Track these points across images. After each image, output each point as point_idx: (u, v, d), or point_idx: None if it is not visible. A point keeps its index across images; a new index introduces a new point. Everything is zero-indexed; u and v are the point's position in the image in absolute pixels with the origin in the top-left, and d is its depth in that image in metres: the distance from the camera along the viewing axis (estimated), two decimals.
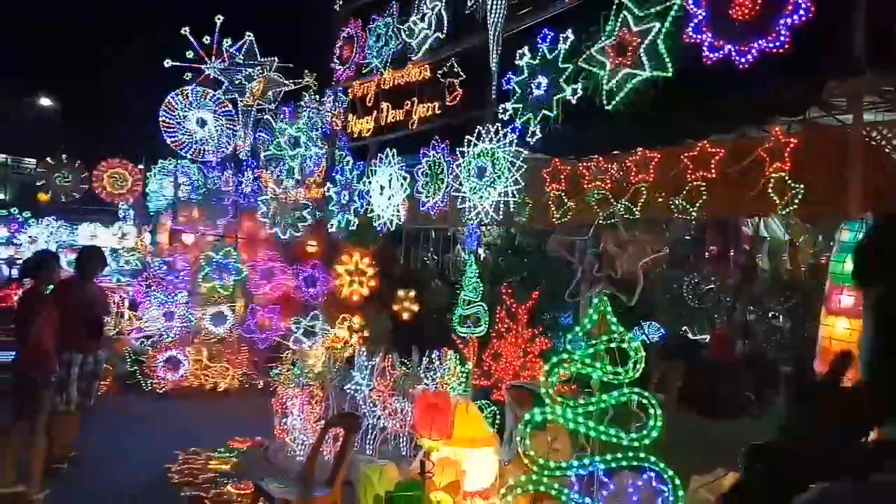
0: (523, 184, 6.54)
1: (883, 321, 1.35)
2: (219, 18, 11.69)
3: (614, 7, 5.67)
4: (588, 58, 5.97)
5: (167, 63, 11.25)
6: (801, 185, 4.62)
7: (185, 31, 11.37)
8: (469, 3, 7.58)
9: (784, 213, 4.77)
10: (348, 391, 6.65)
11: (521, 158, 6.54)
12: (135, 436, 7.33)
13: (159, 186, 13.34)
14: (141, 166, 15.42)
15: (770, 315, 7.94)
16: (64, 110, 31.58)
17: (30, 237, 17.95)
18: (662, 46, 5.32)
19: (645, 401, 3.25)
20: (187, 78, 11.44)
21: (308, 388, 6.92)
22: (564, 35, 6.34)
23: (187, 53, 11.46)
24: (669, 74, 5.26)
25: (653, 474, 3.23)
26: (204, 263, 10.25)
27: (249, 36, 11.94)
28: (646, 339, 8.51)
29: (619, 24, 5.60)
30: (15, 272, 15.85)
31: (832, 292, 3.74)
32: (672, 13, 5.25)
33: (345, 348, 7.96)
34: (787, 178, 4.67)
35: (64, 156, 15.63)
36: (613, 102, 5.58)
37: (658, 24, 5.33)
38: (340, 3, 10.39)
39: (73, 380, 6.23)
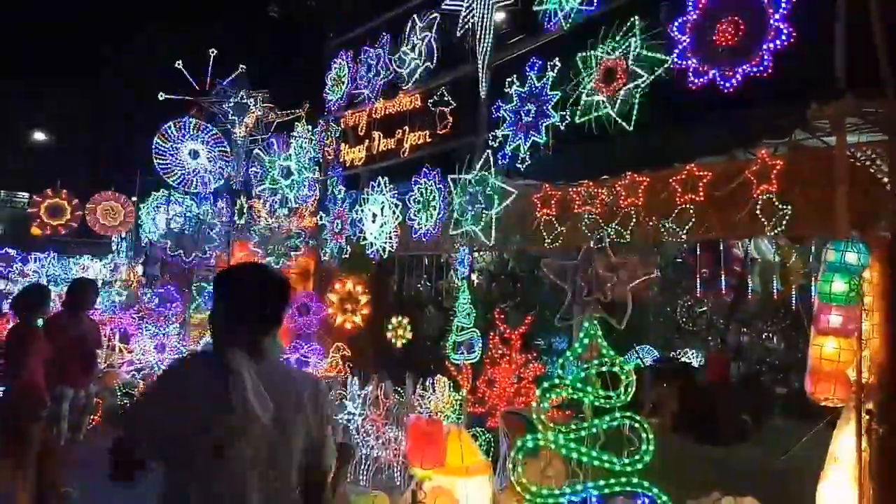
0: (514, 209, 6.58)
1: None
2: (212, 52, 11.84)
3: (593, 44, 5.77)
4: (576, 85, 6.06)
5: (161, 96, 11.36)
6: (788, 206, 4.66)
7: (179, 64, 11.51)
8: (458, 34, 7.69)
9: (772, 234, 4.80)
10: (341, 421, 6.57)
11: (512, 185, 6.58)
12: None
13: (151, 219, 13.35)
14: (134, 199, 15.46)
15: (763, 336, 7.94)
16: (57, 144, 31.69)
17: (21, 272, 17.86)
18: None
19: (637, 425, 3.23)
20: (180, 111, 11.53)
21: None
22: (552, 63, 6.44)
23: (179, 88, 11.58)
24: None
25: (646, 499, 3.19)
26: (196, 294, 10.21)
27: (242, 68, 12.08)
28: (640, 362, 8.49)
29: (620, 49, 5.68)
30: (6, 306, 15.75)
31: (820, 312, 3.74)
32: (665, 66, 5.32)
33: (338, 377, 7.89)
34: (774, 199, 4.71)
35: (58, 189, 15.66)
36: (582, 119, 5.65)
37: (632, 41, 5.43)
38: (332, 35, 10.54)
39: (63, 414, 6.13)
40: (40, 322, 6.06)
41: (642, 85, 5.43)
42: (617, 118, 5.49)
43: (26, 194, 28.71)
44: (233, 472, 2.17)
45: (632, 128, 5.43)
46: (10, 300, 10.83)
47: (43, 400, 5.53)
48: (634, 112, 5.45)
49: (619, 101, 5.53)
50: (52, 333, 6.17)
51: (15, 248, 19.34)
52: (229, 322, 2.31)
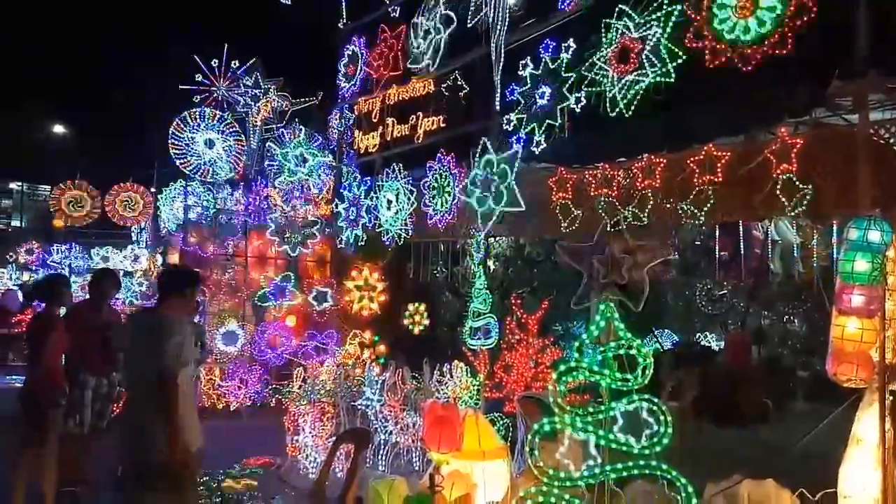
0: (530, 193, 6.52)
1: None
2: (226, 44, 11.87)
3: (615, 14, 5.69)
4: (591, 66, 5.98)
5: (179, 87, 11.43)
6: (809, 186, 4.57)
7: (195, 56, 11.56)
8: (471, 17, 7.61)
9: (793, 214, 4.71)
10: (359, 407, 6.61)
11: (527, 168, 6.52)
12: None
13: (170, 208, 13.46)
14: (152, 189, 15.58)
15: (785, 319, 7.83)
16: (76, 137, 32.08)
17: (44, 263, 18.13)
18: (664, 51, 5.32)
19: (655, 408, 3.20)
20: (196, 101, 11.58)
21: (319, 404, 6.89)
22: (566, 44, 6.36)
23: (196, 76, 11.63)
24: (671, 80, 5.27)
25: (665, 482, 3.17)
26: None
27: (256, 58, 12.10)
28: (659, 346, 8.43)
29: (619, 32, 5.62)
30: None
31: (842, 292, 3.68)
32: (673, 18, 5.26)
33: (356, 364, 7.93)
34: (794, 179, 4.63)
35: (77, 181, 15.82)
36: (623, 104, 5.59)
37: (658, 30, 5.33)
38: (345, 21, 10.50)
39: (86, 402, 6.22)
40: (63, 312, 6.15)
41: (663, 37, 5.32)
42: (657, 81, 5.39)
43: (48, 187, 29.11)
44: None
45: (629, 114, 5.37)
46: (32, 290, 11.00)
47: (61, 387, 5.59)
48: (635, 101, 5.39)
49: (626, 85, 5.46)
50: (75, 323, 6.26)
51: (38, 240, 19.64)
52: None
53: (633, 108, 5.57)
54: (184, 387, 3.89)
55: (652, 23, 5.42)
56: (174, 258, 13.08)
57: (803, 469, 4.09)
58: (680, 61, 5.25)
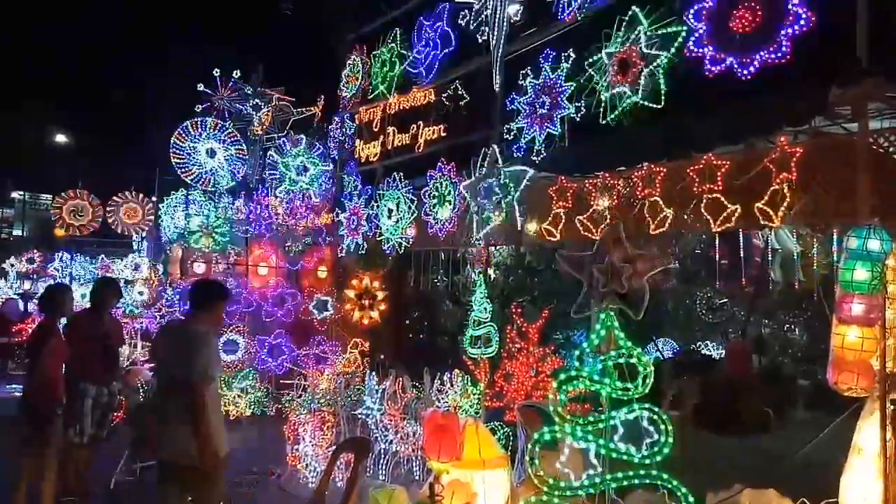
0: (530, 202, 6.55)
1: None
2: (227, 55, 11.94)
3: (628, 18, 5.70)
4: (589, 77, 6.01)
5: (180, 96, 11.47)
6: (809, 195, 4.58)
7: (197, 67, 11.63)
8: (472, 27, 7.66)
9: (793, 223, 4.72)
10: (360, 416, 6.60)
11: (528, 177, 6.55)
12: (148, 467, 7.29)
13: (171, 217, 13.46)
14: (153, 198, 15.60)
15: (785, 327, 7.82)
16: (77, 146, 32.17)
17: (45, 272, 18.13)
18: (662, 78, 5.37)
19: (655, 417, 3.19)
20: (197, 110, 11.63)
21: (319, 413, 6.88)
22: (566, 54, 6.39)
23: (198, 86, 11.68)
24: (659, 106, 5.32)
25: (665, 492, 3.16)
26: None
27: (258, 67, 12.16)
28: (659, 355, 8.41)
29: (630, 38, 5.63)
30: (31, 306, 16.00)
31: (842, 301, 3.67)
32: (680, 39, 5.28)
33: (356, 373, 7.92)
34: (794, 187, 4.63)
35: (79, 190, 15.84)
36: (612, 116, 5.62)
37: (664, 54, 5.36)
38: (346, 31, 10.55)
39: (86, 412, 6.20)
40: (64, 321, 6.15)
41: (663, 62, 5.36)
42: (643, 103, 5.43)
43: (49, 196, 29.16)
44: None
45: (661, 104, 5.37)
46: (35, 300, 11.00)
47: (58, 397, 5.55)
48: (662, 89, 5.39)
49: (641, 86, 5.47)
50: (76, 332, 6.26)
51: (39, 249, 19.65)
52: None
53: (631, 116, 5.60)
54: (212, 395, 4.13)
55: (659, 41, 5.45)
56: (175, 267, 13.08)
57: (804, 478, 4.08)
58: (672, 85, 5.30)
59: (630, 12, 5.67)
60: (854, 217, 4.17)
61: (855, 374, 3.52)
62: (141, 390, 9.71)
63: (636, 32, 5.59)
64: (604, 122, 5.73)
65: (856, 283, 3.58)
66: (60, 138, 32.97)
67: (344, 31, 10.59)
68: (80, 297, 10.94)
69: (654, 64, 5.43)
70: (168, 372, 4.30)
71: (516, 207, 6.52)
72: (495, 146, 6.68)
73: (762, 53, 4.76)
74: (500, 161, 6.64)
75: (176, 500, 4.17)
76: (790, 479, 4.09)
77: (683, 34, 5.24)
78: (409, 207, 8.20)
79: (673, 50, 5.33)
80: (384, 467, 6.33)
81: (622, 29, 5.72)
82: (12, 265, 18.93)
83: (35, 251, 19.52)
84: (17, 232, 37.10)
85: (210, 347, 4.19)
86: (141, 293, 13.74)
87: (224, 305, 4.61)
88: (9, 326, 13.95)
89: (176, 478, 4.11)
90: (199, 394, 3.98)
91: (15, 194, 37.40)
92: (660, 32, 5.44)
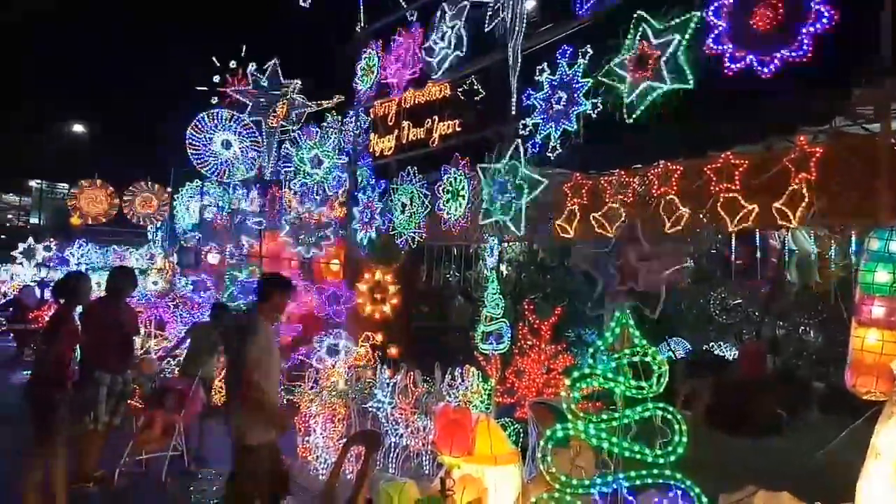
0: (544, 199, 6.52)
1: None
2: (243, 46, 11.97)
3: (633, 21, 5.66)
4: (608, 71, 5.96)
5: (195, 88, 11.54)
6: (828, 195, 4.53)
7: (213, 58, 11.68)
8: (488, 22, 7.62)
9: (810, 224, 4.67)
10: (370, 409, 6.61)
11: (542, 174, 6.52)
12: (159, 455, 7.37)
13: (186, 208, 13.56)
14: (169, 189, 15.72)
15: (800, 329, 7.75)
16: (94, 136, 32.42)
17: (61, 261, 18.33)
18: (682, 58, 5.29)
19: (669, 416, 3.17)
20: (213, 102, 11.69)
21: (331, 406, 6.90)
22: (583, 50, 6.35)
23: (214, 78, 11.74)
24: (690, 86, 5.23)
25: (679, 492, 3.14)
26: (228, 283, 10.35)
27: (274, 60, 12.19)
28: (672, 355, 8.36)
29: (638, 38, 5.58)
30: (48, 294, 16.19)
31: (862, 303, 3.63)
32: (692, 24, 5.22)
33: (367, 366, 7.93)
34: (813, 188, 4.58)
35: (95, 180, 16.00)
36: (635, 115, 5.56)
37: (678, 37, 5.29)
38: (362, 24, 10.54)
39: (101, 399, 6.25)
40: (80, 309, 6.18)
41: (680, 45, 5.27)
42: (672, 88, 5.35)
43: (66, 185, 29.43)
44: None
45: (690, 85, 5.26)
46: (50, 287, 11.11)
47: (64, 385, 5.49)
48: (686, 71, 5.29)
49: (665, 71, 5.39)
50: (91, 319, 6.30)
51: (56, 238, 19.87)
52: None
53: (649, 114, 5.54)
54: (264, 380, 4.41)
55: (670, 30, 5.38)
56: (190, 257, 13.18)
57: (818, 481, 4.04)
58: (698, 68, 5.20)
59: (636, 15, 5.60)
60: (875, 218, 4.12)
61: (874, 378, 3.48)
62: (154, 378, 9.79)
63: (641, 30, 5.54)
64: (629, 120, 5.64)
65: (877, 285, 3.54)
66: (78, 128, 33.23)
67: (360, 25, 10.57)
68: (96, 285, 11.02)
69: (670, 48, 5.34)
70: (230, 359, 4.89)
71: (524, 212, 6.48)
72: (519, 142, 6.62)
73: (783, 52, 4.69)
74: (522, 160, 6.58)
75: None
76: (804, 481, 4.06)
77: (696, 20, 5.16)
78: (423, 202, 8.19)
79: (689, 32, 5.23)
80: (394, 461, 6.33)
81: (630, 32, 5.66)
82: (30, 253, 19.16)
83: (52, 239, 19.74)
84: (34, 220, 37.46)
85: (259, 335, 4.44)
86: (155, 283, 13.86)
87: (283, 297, 4.85)
88: (26, 313, 14.12)
89: (238, 460, 4.54)
90: (248, 377, 4.32)
91: (32, 183, 37.75)
92: (672, 23, 5.37)
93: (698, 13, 5.15)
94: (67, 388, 5.52)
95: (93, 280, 7.46)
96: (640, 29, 5.54)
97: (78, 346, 6.51)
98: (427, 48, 8.77)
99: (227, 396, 5.11)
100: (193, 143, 11.02)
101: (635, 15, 5.63)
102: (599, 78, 6.04)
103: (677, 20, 5.33)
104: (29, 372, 6.05)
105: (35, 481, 5.34)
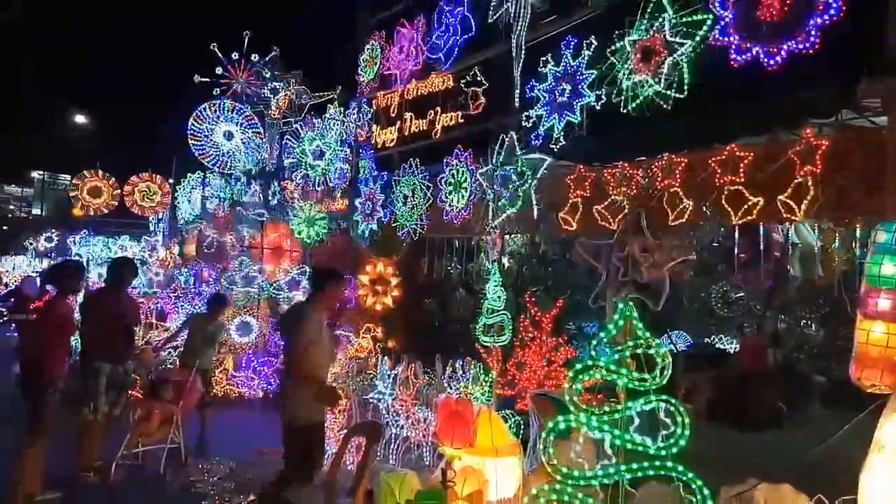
0: (547, 191, 6.50)
1: None
2: (246, 34, 11.90)
3: (651, 5, 5.59)
4: (611, 65, 5.92)
5: (196, 79, 11.48)
6: (833, 189, 4.50)
7: (214, 46, 11.61)
8: (492, 13, 7.57)
9: (815, 217, 4.64)
10: (371, 400, 6.61)
11: (546, 166, 6.49)
12: (156, 448, 7.38)
13: (188, 199, 13.55)
14: (171, 180, 15.70)
15: (802, 323, 7.73)
16: (96, 127, 32.40)
17: (63, 251, 18.34)
18: (686, 67, 5.26)
19: (672, 408, 3.15)
20: (216, 93, 11.65)
21: None
22: (588, 41, 6.30)
23: (216, 69, 11.70)
24: (682, 95, 5.22)
25: (680, 484, 3.13)
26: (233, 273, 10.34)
27: (276, 50, 12.15)
28: (673, 348, 8.35)
29: (654, 25, 5.52)
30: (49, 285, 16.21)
31: (868, 295, 3.61)
32: (705, 27, 5.17)
33: (368, 358, 7.93)
34: (818, 181, 4.55)
35: (97, 171, 15.96)
36: (633, 105, 5.53)
37: (689, 42, 5.25)
38: (365, 15, 10.49)
39: (101, 390, 6.24)
40: (81, 298, 6.18)
41: (687, 51, 5.26)
42: (666, 93, 5.34)
43: (68, 176, 29.38)
44: None
45: (685, 93, 5.27)
46: (44, 276, 11.11)
47: (51, 372, 5.48)
48: (685, 78, 5.28)
49: (663, 75, 5.38)
50: (92, 309, 6.30)
51: (58, 228, 19.87)
52: None
53: (652, 105, 5.50)
54: (313, 362, 4.75)
55: (684, 30, 5.33)
56: (191, 248, 13.17)
57: (819, 474, 4.03)
58: (697, 75, 5.20)
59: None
60: (881, 211, 4.09)
61: (879, 370, 3.46)
62: (154, 369, 9.80)
63: (661, 20, 5.48)
64: (624, 111, 5.63)
65: (883, 278, 3.51)
66: (80, 119, 33.21)
67: (363, 16, 10.52)
68: (98, 276, 11.04)
69: (678, 53, 5.32)
70: (283, 345, 5.30)
71: (533, 196, 6.47)
72: (513, 133, 6.61)
73: (790, 43, 4.65)
74: (517, 148, 6.57)
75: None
76: (805, 474, 4.05)
77: (709, 23, 5.13)
78: (425, 194, 8.17)
79: (698, 39, 5.22)
80: (395, 452, 6.34)
81: (646, 15, 5.61)
82: (31, 244, 19.18)
83: (53, 230, 19.75)
84: (35, 211, 37.48)
85: (308, 322, 4.79)
86: (157, 274, 13.86)
87: (336, 287, 5.16)
88: (27, 303, 14.11)
89: (288, 437, 4.86)
90: (297, 363, 4.71)
91: (34, 174, 37.76)
92: (685, 20, 5.33)
93: (711, 16, 5.09)
94: (54, 378, 5.48)
95: (94, 271, 7.48)
96: (660, 18, 5.47)
97: (78, 336, 6.52)
98: (430, 39, 8.73)
99: (280, 385, 5.79)
100: (195, 133, 10.99)
101: (640, 7, 5.59)
102: (603, 70, 6.00)
103: (692, 18, 5.27)
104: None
105: (35, 468, 5.36)
